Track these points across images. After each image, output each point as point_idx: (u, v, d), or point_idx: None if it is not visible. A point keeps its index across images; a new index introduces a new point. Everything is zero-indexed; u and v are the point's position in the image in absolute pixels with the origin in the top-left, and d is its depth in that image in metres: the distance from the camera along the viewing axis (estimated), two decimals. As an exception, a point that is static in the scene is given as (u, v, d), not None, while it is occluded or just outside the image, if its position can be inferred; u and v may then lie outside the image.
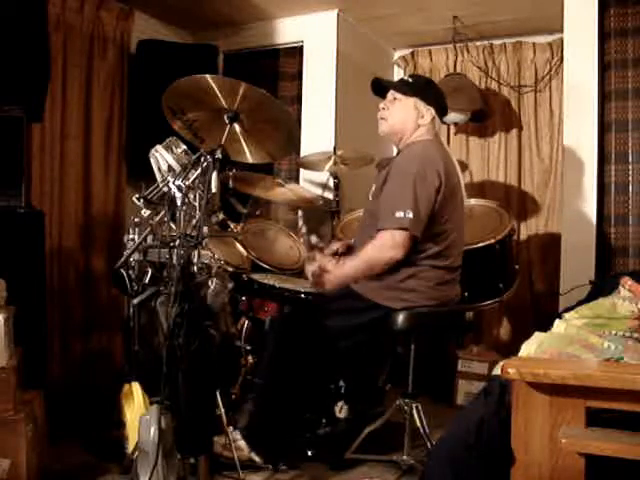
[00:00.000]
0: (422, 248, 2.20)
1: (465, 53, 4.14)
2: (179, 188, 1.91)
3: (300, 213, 3.95)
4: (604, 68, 3.17)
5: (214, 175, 1.98)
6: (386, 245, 2.14)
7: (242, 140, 2.39)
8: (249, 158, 2.47)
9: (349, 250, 2.50)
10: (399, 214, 2.11)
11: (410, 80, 2.40)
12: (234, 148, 2.37)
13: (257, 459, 2.22)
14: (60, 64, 3.25)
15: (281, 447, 2.29)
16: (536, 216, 4.02)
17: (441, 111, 2.38)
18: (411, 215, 2.10)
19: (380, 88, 2.42)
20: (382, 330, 2.25)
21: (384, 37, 4.28)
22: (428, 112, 2.32)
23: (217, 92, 2.20)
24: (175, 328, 1.78)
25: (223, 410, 2.22)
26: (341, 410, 2.41)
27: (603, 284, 2.58)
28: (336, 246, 2.61)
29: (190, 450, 1.90)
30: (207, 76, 2.17)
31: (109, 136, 3.57)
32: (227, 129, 2.22)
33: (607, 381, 1.17)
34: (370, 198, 2.41)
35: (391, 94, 2.36)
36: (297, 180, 3.92)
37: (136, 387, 2.18)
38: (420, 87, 2.36)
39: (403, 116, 2.33)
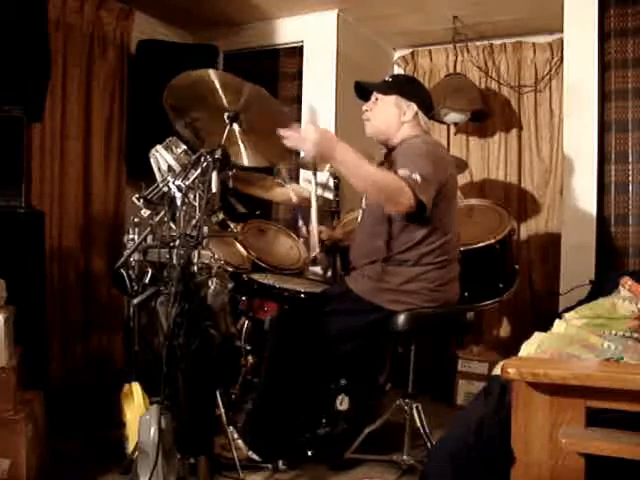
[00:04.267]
0: (417, 249, 2.19)
1: (465, 53, 4.14)
2: (179, 188, 1.91)
3: (300, 213, 3.95)
4: (604, 68, 3.17)
5: (214, 175, 1.98)
6: (405, 197, 1.98)
7: (240, 143, 2.39)
8: (245, 161, 2.47)
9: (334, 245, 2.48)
10: (404, 172, 2.01)
11: (390, 79, 2.40)
12: (232, 151, 2.37)
13: (255, 457, 2.22)
14: (60, 64, 3.25)
15: (279, 445, 2.28)
16: (536, 216, 4.02)
17: (425, 106, 2.35)
18: (418, 177, 2.00)
19: (363, 91, 2.41)
20: (383, 331, 2.25)
21: (384, 37, 4.28)
22: (409, 108, 2.30)
23: (219, 90, 2.19)
24: (175, 328, 1.78)
25: (223, 410, 2.22)
26: (342, 402, 2.40)
27: (603, 284, 2.58)
28: (322, 229, 2.56)
29: (190, 450, 1.90)
30: (210, 71, 2.16)
31: (109, 136, 3.57)
32: (227, 129, 2.23)
33: (607, 381, 1.17)
34: (367, 202, 2.40)
35: (373, 95, 2.36)
36: (297, 180, 3.92)
37: (136, 387, 2.18)
38: (399, 84, 2.36)
39: (385, 115, 2.32)
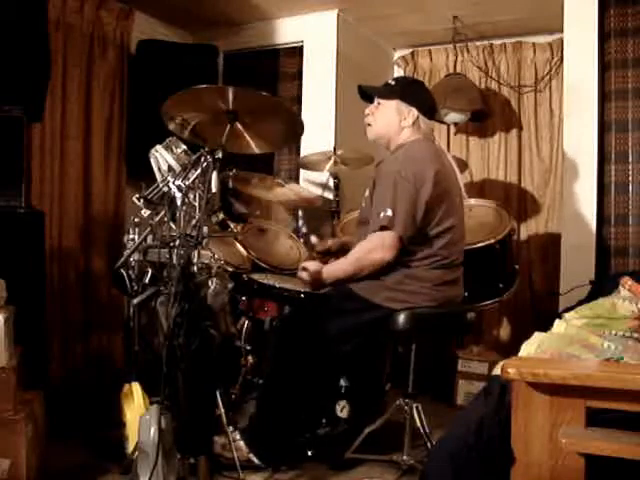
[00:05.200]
0: (416, 249, 2.21)
1: (465, 53, 4.14)
2: (179, 188, 1.91)
3: (300, 213, 3.95)
4: (604, 68, 3.17)
5: (214, 175, 1.98)
6: (375, 246, 2.17)
7: (245, 135, 2.39)
8: (255, 150, 2.48)
9: (343, 249, 2.51)
10: (381, 214, 2.14)
11: (392, 83, 2.41)
12: (239, 143, 2.37)
13: (255, 460, 2.22)
14: (60, 64, 3.24)
15: (280, 450, 2.29)
16: (536, 216, 4.02)
17: (426, 110, 2.36)
18: (390, 213, 2.12)
19: (367, 93, 2.43)
20: (383, 330, 2.25)
21: (384, 37, 4.29)
22: (410, 113, 2.32)
23: (211, 99, 2.20)
24: (175, 328, 1.78)
25: (223, 410, 2.22)
26: (342, 409, 2.40)
27: (603, 284, 2.58)
28: (330, 243, 2.61)
29: (190, 450, 1.90)
30: (198, 87, 2.17)
31: (109, 136, 3.57)
32: (227, 129, 2.23)
33: (607, 381, 1.17)
34: (362, 204, 2.43)
35: (375, 100, 2.38)
36: (297, 180, 3.92)
37: (136, 387, 2.18)
38: (401, 89, 2.36)
39: (386, 120, 2.34)
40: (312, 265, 2.29)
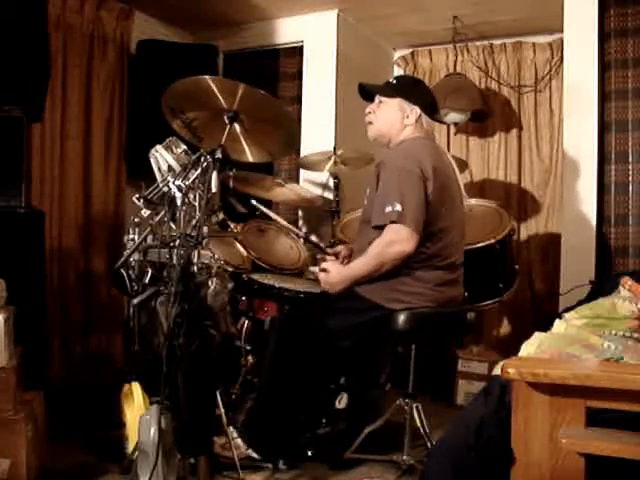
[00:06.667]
0: (417, 250, 2.20)
1: (465, 53, 4.14)
2: (179, 188, 1.91)
3: (300, 213, 3.95)
4: (604, 68, 3.17)
5: (214, 175, 1.98)
6: (393, 239, 2.13)
7: (242, 140, 2.40)
8: (249, 157, 2.48)
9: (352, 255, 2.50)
10: (388, 209, 2.11)
11: (394, 82, 2.40)
12: (234, 148, 2.38)
13: (254, 455, 2.22)
14: (60, 64, 3.25)
15: (279, 443, 2.28)
16: (536, 216, 4.02)
17: (428, 108, 2.36)
18: (399, 208, 2.10)
19: (367, 92, 2.42)
20: (383, 330, 2.25)
21: (384, 37, 4.29)
22: (413, 111, 2.31)
23: (217, 93, 2.20)
24: (175, 328, 1.78)
25: (223, 410, 2.22)
26: (341, 401, 2.40)
27: (603, 284, 2.58)
28: (340, 249, 2.60)
29: (190, 450, 1.90)
30: (207, 77, 2.18)
31: (109, 136, 3.57)
32: (227, 129, 2.23)
33: (607, 381, 1.17)
34: (365, 202, 2.42)
35: (377, 98, 2.37)
36: (297, 180, 3.92)
37: (136, 387, 2.18)
38: (403, 87, 2.36)
39: (388, 118, 2.33)
40: (332, 266, 2.28)
